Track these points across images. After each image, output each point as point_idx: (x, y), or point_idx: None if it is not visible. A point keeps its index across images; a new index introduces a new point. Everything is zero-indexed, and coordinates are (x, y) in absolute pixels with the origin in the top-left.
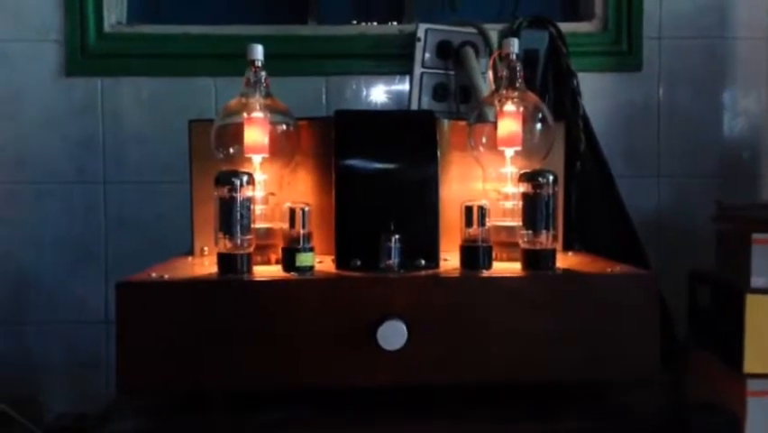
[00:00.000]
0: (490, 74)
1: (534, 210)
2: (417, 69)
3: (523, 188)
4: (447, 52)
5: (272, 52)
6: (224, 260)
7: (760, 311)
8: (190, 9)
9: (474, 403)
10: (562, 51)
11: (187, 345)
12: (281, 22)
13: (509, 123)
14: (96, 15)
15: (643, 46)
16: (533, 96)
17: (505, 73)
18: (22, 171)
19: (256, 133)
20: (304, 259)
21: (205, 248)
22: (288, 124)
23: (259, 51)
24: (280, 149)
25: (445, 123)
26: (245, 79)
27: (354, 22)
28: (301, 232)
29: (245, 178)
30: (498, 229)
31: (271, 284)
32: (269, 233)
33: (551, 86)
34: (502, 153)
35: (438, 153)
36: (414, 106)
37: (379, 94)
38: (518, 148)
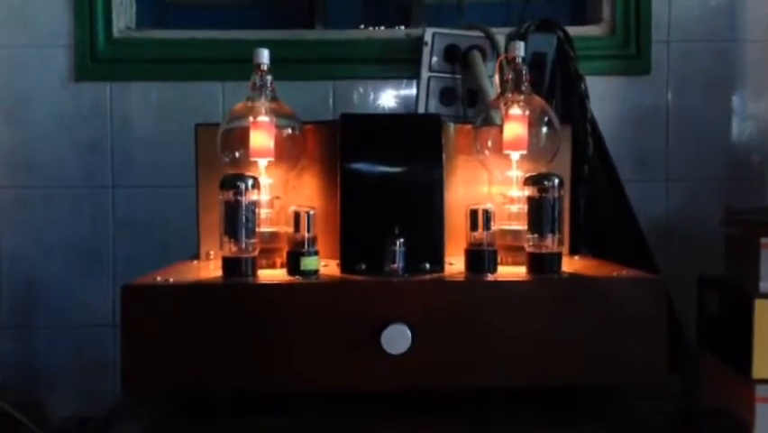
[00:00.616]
0: (497, 77)
1: (539, 214)
2: (425, 73)
3: (528, 191)
4: (454, 56)
5: (279, 57)
6: (229, 263)
7: None
8: (198, 14)
9: (479, 408)
10: (569, 55)
11: (191, 348)
12: (288, 26)
13: (515, 126)
14: (104, 21)
15: (651, 50)
16: (539, 100)
17: (511, 76)
18: (31, 176)
19: (262, 137)
20: (308, 263)
21: (211, 252)
22: (293, 128)
23: (264, 56)
24: (286, 153)
25: (451, 126)
26: (251, 83)
27: (361, 26)
28: (306, 236)
29: (250, 181)
30: (504, 233)
31: (275, 288)
32: (274, 237)
33: (558, 89)
34: (508, 157)
35: (444, 157)
36: (421, 110)
37: (386, 98)
38: (524, 152)
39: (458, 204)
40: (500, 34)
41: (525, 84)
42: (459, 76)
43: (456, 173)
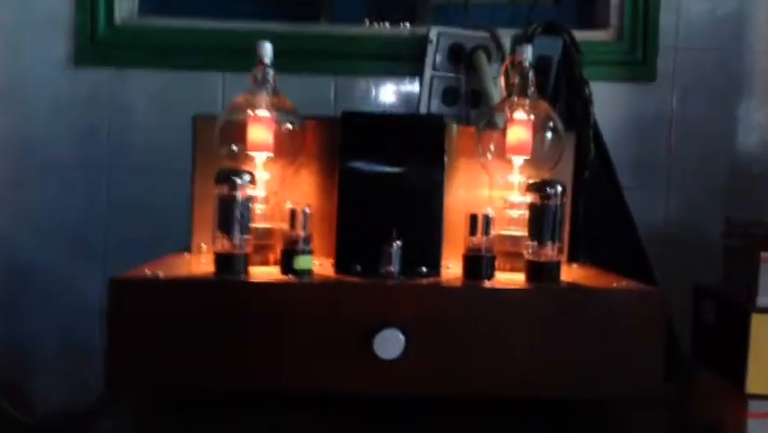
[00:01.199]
0: (502, 80)
1: (540, 221)
2: (428, 72)
3: (530, 198)
4: (459, 56)
5: (282, 49)
6: (222, 260)
7: (765, 331)
8: (201, 3)
9: (471, 418)
10: (575, 59)
11: (180, 345)
12: (293, 19)
13: (519, 130)
14: (106, 6)
15: (658, 56)
16: (544, 105)
17: (517, 80)
18: (27, 158)
19: (260, 131)
20: (302, 262)
21: (204, 245)
22: (293, 123)
23: (267, 49)
24: (284, 148)
25: (454, 127)
26: (252, 76)
27: (366, 22)
28: (301, 234)
29: (246, 177)
30: (503, 238)
31: (267, 287)
32: (268, 233)
33: (562, 93)
34: (510, 161)
35: (445, 160)
36: (423, 110)
37: (388, 95)
38: (527, 157)
39: (458, 207)
40: (506, 36)
41: (531, 88)
42: (462, 76)
43: (457, 175)
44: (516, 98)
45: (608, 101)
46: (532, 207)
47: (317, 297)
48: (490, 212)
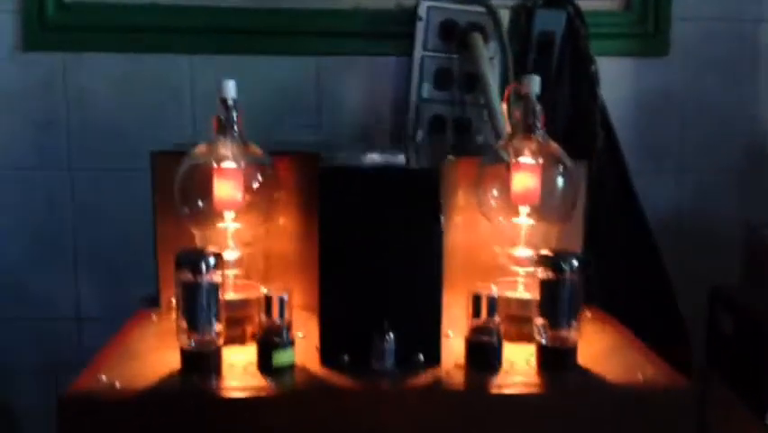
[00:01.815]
0: (504, 108)
1: (554, 301)
2: (418, 52)
3: (541, 273)
4: (451, 33)
5: (256, 28)
6: (189, 358)
7: None
8: None
9: None
10: (580, 33)
11: None
12: None
13: (525, 177)
14: None
15: (670, 28)
16: (554, 147)
17: (521, 115)
18: None
19: (227, 187)
20: (282, 358)
21: (173, 300)
22: (264, 173)
23: (231, 89)
24: (256, 203)
25: (450, 162)
26: (214, 120)
27: None
28: (279, 323)
29: (212, 260)
30: (508, 301)
31: (240, 404)
32: (243, 304)
33: (567, 72)
34: (515, 209)
35: (442, 224)
36: (413, 94)
37: (374, 78)
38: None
39: (457, 248)
40: (503, 8)
41: (539, 128)
42: (456, 56)
43: (455, 216)
44: (521, 137)
45: (616, 77)
46: (544, 283)
47: (299, 413)
48: (495, 291)
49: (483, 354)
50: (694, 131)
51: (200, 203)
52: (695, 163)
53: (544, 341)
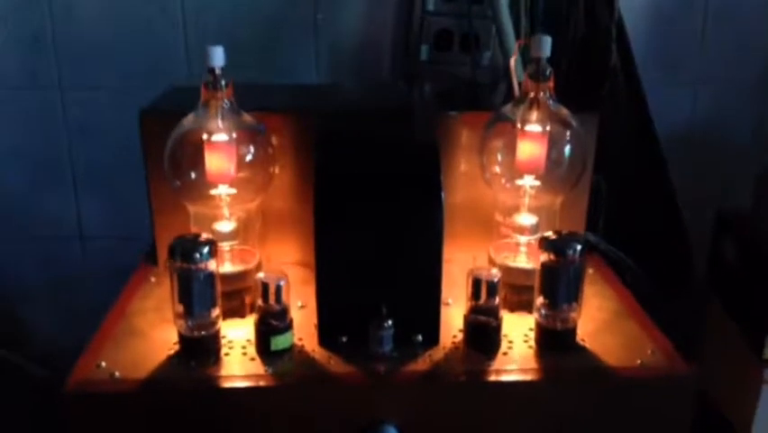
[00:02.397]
0: (513, 76)
1: (555, 284)
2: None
3: (543, 256)
4: None
5: None
6: (188, 344)
7: None
8: None
9: None
10: None
11: None
12: None
13: (531, 146)
14: None
15: None
16: (564, 114)
17: (530, 78)
18: None
19: (219, 161)
20: (280, 342)
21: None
22: (257, 143)
23: (218, 57)
24: (250, 176)
25: (452, 118)
26: (203, 86)
27: None
28: (276, 308)
29: (205, 249)
30: (509, 270)
31: (242, 393)
32: (240, 277)
33: None
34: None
35: (442, 203)
36: (418, 6)
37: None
38: (537, 182)
39: (458, 208)
40: None
41: (549, 93)
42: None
43: (456, 173)
44: (528, 103)
45: None
46: (545, 266)
47: (298, 401)
48: (495, 275)
49: (482, 336)
50: (715, 37)
51: (192, 176)
52: (714, 74)
53: (543, 321)
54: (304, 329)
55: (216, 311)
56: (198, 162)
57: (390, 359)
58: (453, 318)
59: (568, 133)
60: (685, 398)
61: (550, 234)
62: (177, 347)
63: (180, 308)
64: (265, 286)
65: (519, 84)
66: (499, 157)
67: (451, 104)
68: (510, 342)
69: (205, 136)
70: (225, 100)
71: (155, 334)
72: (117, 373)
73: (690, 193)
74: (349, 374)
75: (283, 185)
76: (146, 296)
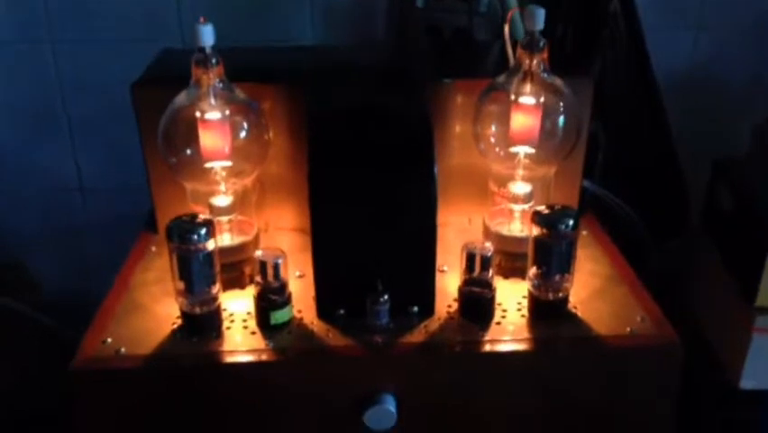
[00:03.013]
0: (508, 45)
1: (547, 258)
2: None
3: (536, 230)
4: None
5: None
6: (190, 321)
7: None
8: None
9: None
10: None
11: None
12: None
13: (524, 118)
14: None
15: None
16: (558, 84)
17: (524, 48)
18: None
19: (213, 139)
20: (279, 316)
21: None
22: (250, 119)
23: (207, 35)
24: (245, 152)
25: (445, 85)
26: (193, 63)
27: None
28: (275, 285)
29: (203, 231)
30: (503, 238)
31: (244, 368)
32: (239, 249)
33: None
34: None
35: (435, 173)
36: None
37: None
38: (532, 151)
39: (453, 169)
40: None
41: (543, 62)
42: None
43: (451, 138)
44: (522, 75)
45: None
46: (537, 240)
47: (299, 373)
48: (489, 249)
49: (476, 307)
50: None
51: (186, 154)
52: (717, 18)
53: (536, 292)
54: (303, 301)
55: (216, 287)
56: (192, 141)
57: (387, 331)
58: (449, 285)
59: (562, 105)
60: (674, 365)
61: (542, 208)
62: (179, 321)
63: (181, 285)
64: (263, 264)
65: (514, 46)
66: (493, 128)
67: (446, 68)
68: (504, 310)
69: (198, 114)
70: (216, 79)
71: (158, 308)
72: (123, 350)
73: (689, 139)
74: (347, 347)
75: (279, 151)
76: (147, 267)
